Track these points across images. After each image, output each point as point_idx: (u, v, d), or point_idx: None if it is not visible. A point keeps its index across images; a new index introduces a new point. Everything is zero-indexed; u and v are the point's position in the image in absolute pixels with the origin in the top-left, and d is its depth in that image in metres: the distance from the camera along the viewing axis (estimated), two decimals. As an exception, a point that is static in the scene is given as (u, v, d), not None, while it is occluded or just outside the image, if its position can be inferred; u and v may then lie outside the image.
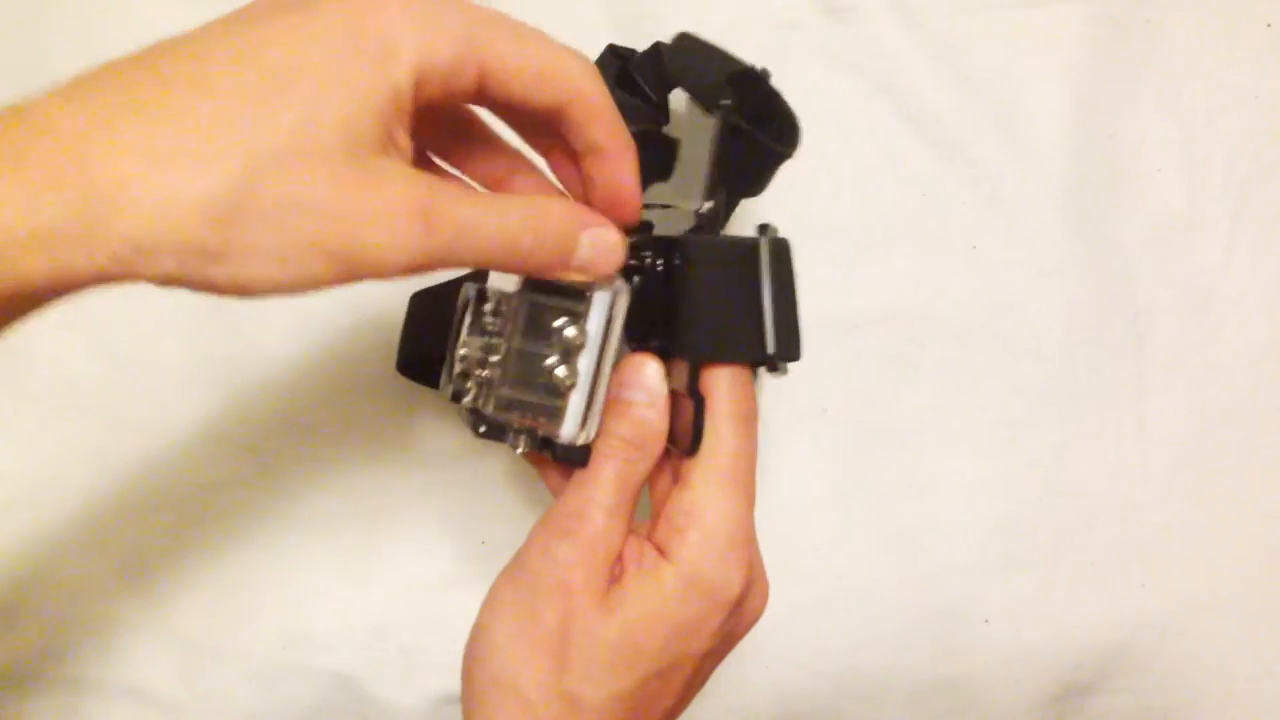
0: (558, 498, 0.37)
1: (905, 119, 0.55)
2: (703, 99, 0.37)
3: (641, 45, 0.53)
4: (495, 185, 0.35)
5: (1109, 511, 0.55)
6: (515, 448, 0.36)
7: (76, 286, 0.25)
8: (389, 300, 0.52)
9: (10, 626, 0.52)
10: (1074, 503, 0.55)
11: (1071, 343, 0.55)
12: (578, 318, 0.34)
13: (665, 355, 0.36)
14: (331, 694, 0.53)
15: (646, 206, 0.35)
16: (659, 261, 0.36)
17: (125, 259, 0.25)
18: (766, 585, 0.37)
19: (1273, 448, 0.56)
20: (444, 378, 0.38)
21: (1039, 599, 0.54)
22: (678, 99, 0.52)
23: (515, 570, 0.36)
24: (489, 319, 0.36)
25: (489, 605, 0.36)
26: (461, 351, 0.36)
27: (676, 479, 0.37)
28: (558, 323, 0.34)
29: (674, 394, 0.36)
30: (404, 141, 0.29)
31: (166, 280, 0.26)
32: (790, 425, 0.55)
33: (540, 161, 0.36)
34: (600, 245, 0.32)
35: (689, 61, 0.37)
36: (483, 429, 0.36)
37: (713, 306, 0.35)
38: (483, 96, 0.30)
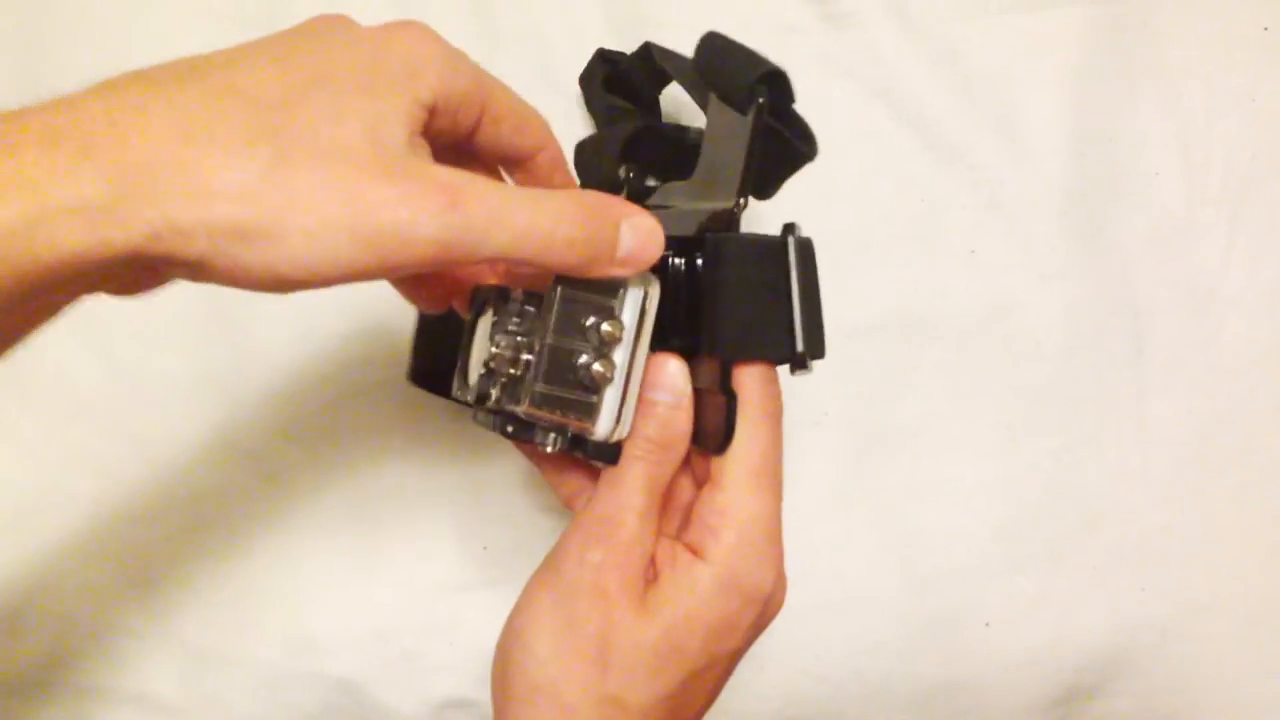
0: (586, 504, 0.36)
1: (904, 123, 0.55)
2: (733, 99, 0.37)
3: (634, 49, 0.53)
4: None
5: (1110, 514, 0.55)
6: (545, 446, 0.35)
7: (110, 263, 0.25)
8: (392, 307, 0.52)
9: (15, 634, 0.52)
10: (1075, 505, 0.55)
11: (1071, 345, 0.55)
12: (611, 313, 0.34)
13: (685, 355, 0.36)
14: (335, 699, 0.53)
15: (646, 207, 0.35)
16: (679, 260, 0.35)
17: (161, 236, 0.25)
18: (786, 580, 0.37)
19: (1273, 449, 0.56)
20: (456, 382, 0.38)
21: (1040, 602, 0.55)
22: (668, 97, 0.52)
23: (550, 577, 0.36)
24: (514, 319, 0.36)
25: (524, 613, 0.36)
26: (492, 350, 0.35)
27: (696, 479, 0.37)
28: (590, 320, 0.34)
29: (696, 392, 0.36)
30: (426, 150, 0.30)
31: (199, 264, 0.26)
32: (791, 430, 0.54)
33: None
34: (641, 231, 0.32)
35: (718, 61, 0.38)
36: (510, 428, 0.36)
37: (744, 305, 0.35)
38: (474, 136, 0.33)
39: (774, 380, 0.36)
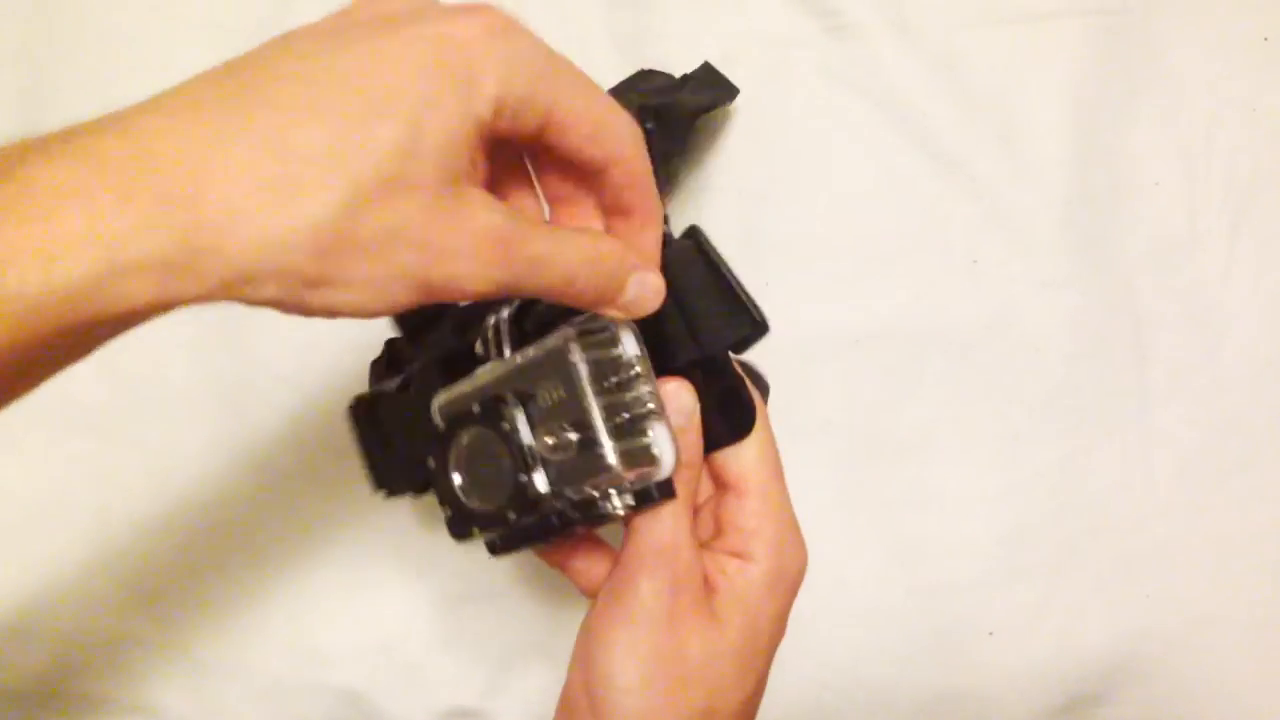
0: (630, 535, 0.37)
1: (905, 134, 0.56)
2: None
3: (641, 63, 0.53)
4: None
5: (1113, 523, 0.55)
6: (618, 510, 0.35)
7: (176, 307, 0.26)
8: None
9: (22, 644, 0.53)
10: (1078, 515, 0.55)
11: (1074, 355, 0.55)
12: (624, 353, 0.34)
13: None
14: (340, 710, 0.54)
15: None
16: None
17: (231, 286, 0.25)
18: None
19: (1276, 458, 0.56)
20: (459, 513, 0.37)
21: (1044, 611, 0.54)
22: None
23: (619, 613, 0.36)
24: (545, 405, 0.35)
25: (604, 655, 0.36)
26: (548, 441, 0.34)
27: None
28: (610, 367, 0.34)
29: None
30: (483, 167, 0.30)
31: (262, 304, 0.26)
32: (794, 439, 0.54)
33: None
34: (646, 288, 0.33)
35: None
36: (574, 514, 0.35)
37: (704, 301, 0.37)
38: (537, 140, 0.31)
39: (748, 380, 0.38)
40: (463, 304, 0.42)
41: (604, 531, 0.40)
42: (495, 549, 0.38)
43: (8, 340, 0.24)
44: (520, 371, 0.36)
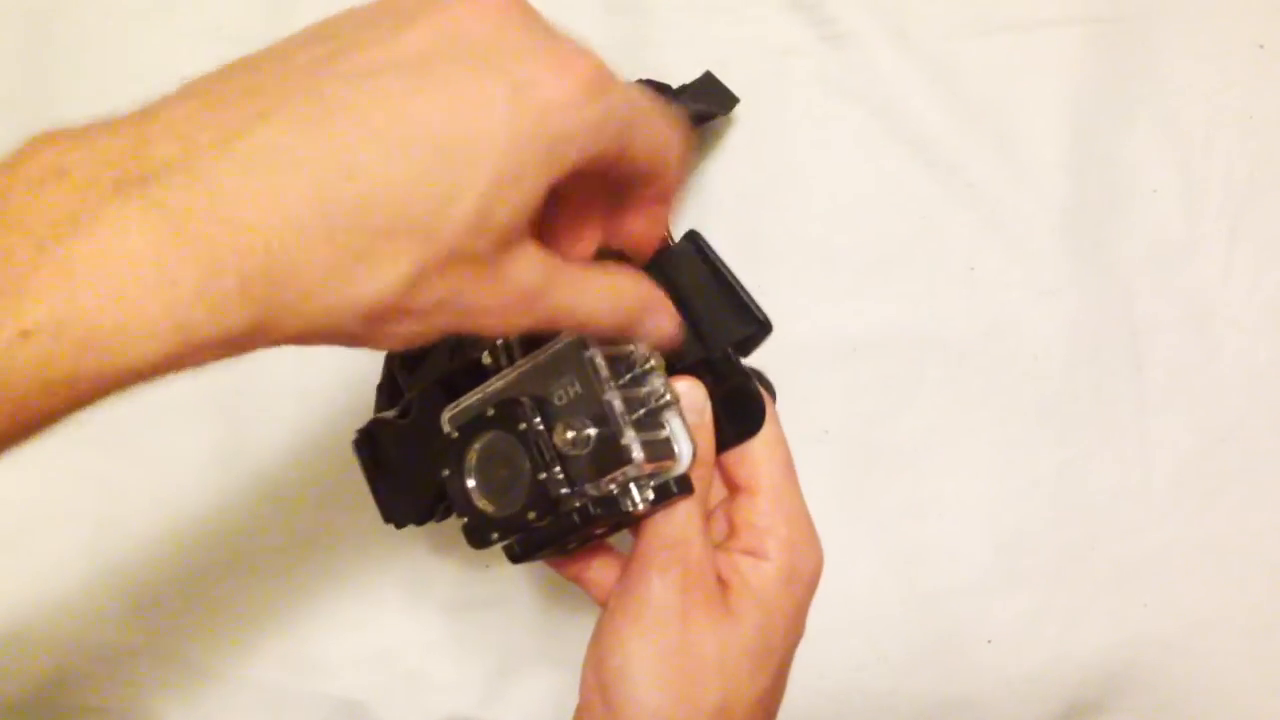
0: (641, 533, 0.37)
1: (903, 142, 0.56)
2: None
3: (639, 71, 0.54)
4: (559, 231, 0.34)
5: (1111, 530, 0.55)
6: (639, 506, 0.35)
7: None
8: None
9: (18, 653, 0.52)
10: (1076, 522, 0.55)
11: (1071, 362, 0.55)
12: (635, 348, 0.35)
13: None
14: (337, 719, 0.53)
15: None
16: None
17: (295, 339, 0.25)
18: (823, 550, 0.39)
19: (1274, 464, 0.56)
20: (474, 519, 0.36)
21: (1042, 619, 0.54)
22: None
23: (633, 609, 0.36)
24: (560, 404, 0.35)
25: (618, 651, 0.36)
26: (569, 436, 0.34)
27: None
28: (624, 362, 0.35)
29: None
30: (538, 214, 0.28)
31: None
32: (792, 447, 0.55)
33: None
34: (657, 331, 0.34)
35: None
36: (596, 510, 0.35)
37: (707, 300, 0.37)
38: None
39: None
40: None
41: (616, 542, 0.40)
42: (516, 556, 0.37)
43: (61, 410, 0.23)
44: (533, 374, 0.36)
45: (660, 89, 0.52)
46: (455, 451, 0.36)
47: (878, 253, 0.56)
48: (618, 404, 0.34)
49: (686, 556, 0.36)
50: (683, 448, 0.35)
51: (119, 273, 0.22)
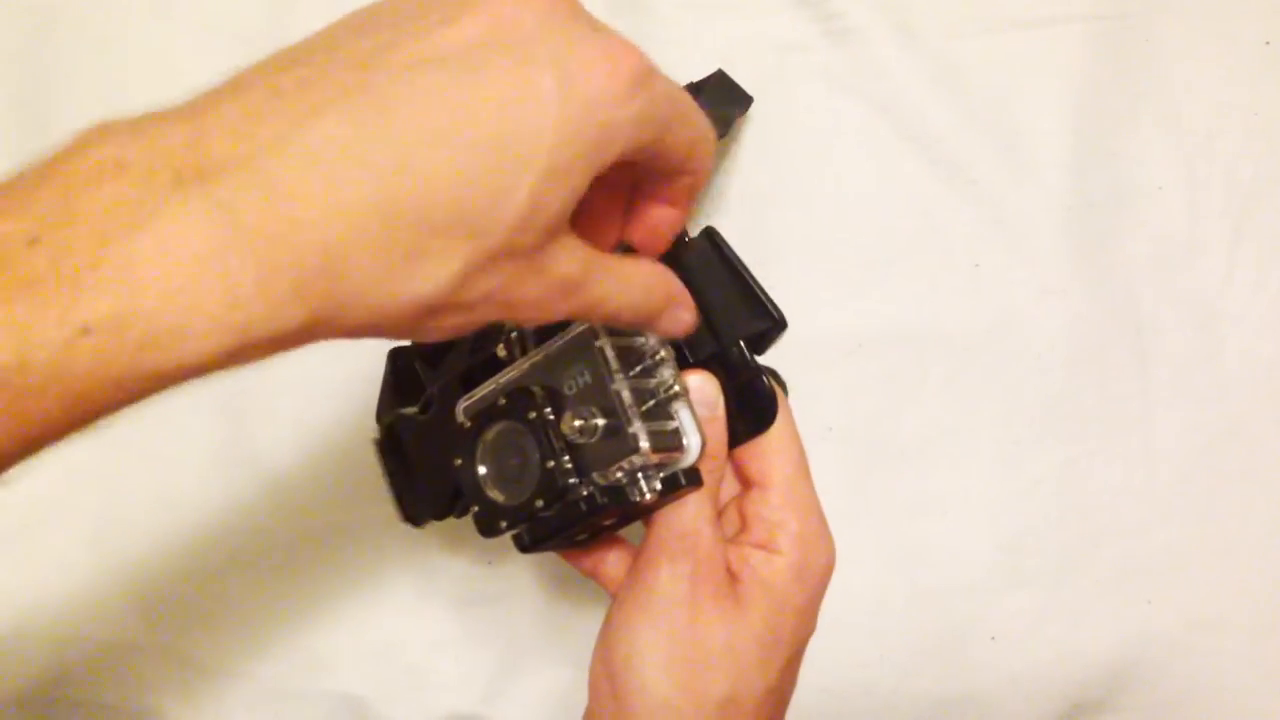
0: (652, 524, 0.37)
1: (907, 139, 0.56)
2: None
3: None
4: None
5: (1115, 528, 0.55)
6: (646, 496, 0.35)
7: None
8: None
9: (19, 648, 0.53)
10: (1079, 520, 0.55)
11: (1075, 360, 0.55)
12: (645, 339, 0.36)
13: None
14: (340, 715, 0.54)
15: None
16: None
17: (330, 339, 0.25)
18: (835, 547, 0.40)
19: (1277, 463, 0.56)
20: (484, 506, 0.37)
21: (1045, 617, 0.54)
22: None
23: (642, 599, 0.37)
24: (571, 394, 0.36)
25: (627, 640, 0.36)
26: (576, 424, 0.34)
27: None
28: (635, 354, 0.35)
29: None
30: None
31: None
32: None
33: None
34: (679, 324, 0.34)
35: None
36: (603, 499, 0.35)
37: (721, 292, 0.38)
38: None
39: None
40: None
41: (630, 537, 0.40)
42: (524, 545, 0.38)
43: (114, 405, 0.23)
44: (545, 364, 0.36)
45: None
46: (468, 440, 0.37)
47: (881, 250, 0.56)
48: (626, 394, 0.34)
49: (696, 547, 0.36)
50: (691, 439, 0.35)
51: (180, 270, 0.22)
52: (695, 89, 0.52)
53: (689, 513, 0.36)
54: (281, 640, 0.53)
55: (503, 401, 0.36)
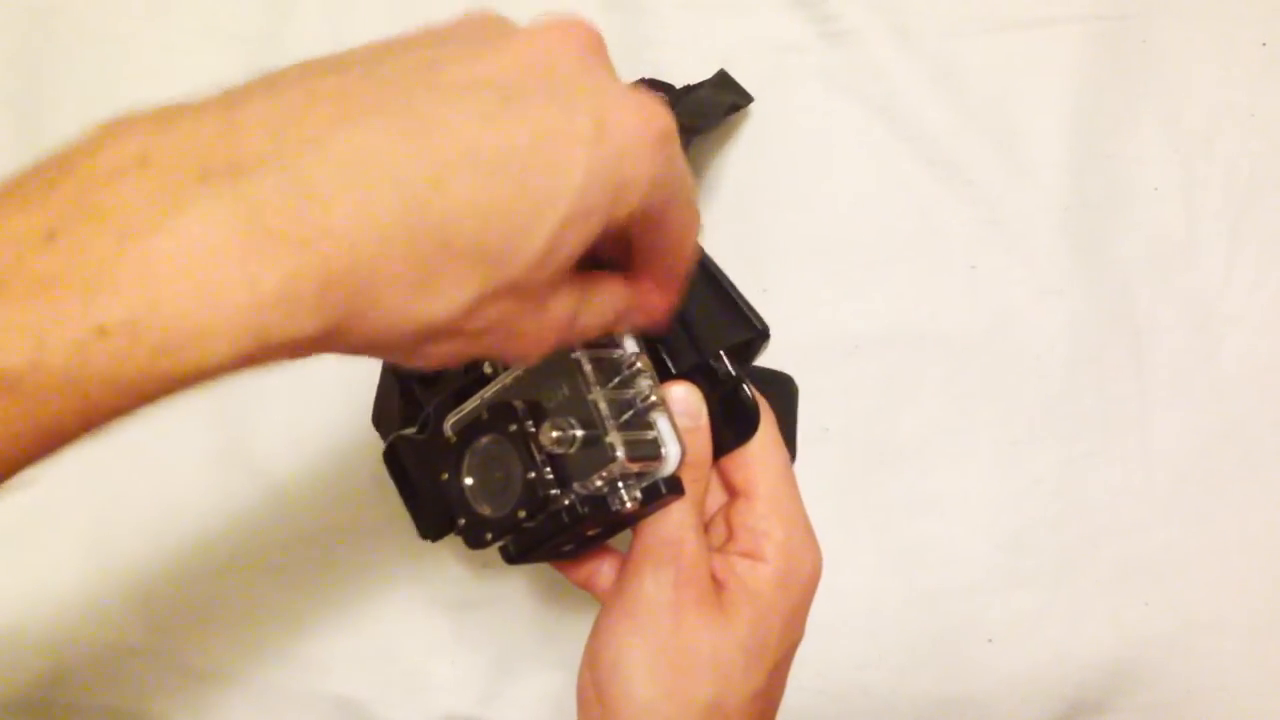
0: (637, 533, 0.38)
1: (904, 140, 0.56)
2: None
3: (643, 71, 0.53)
4: None
5: (1112, 529, 0.55)
6: (627, 505, 0.35)
7: None
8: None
9: (17, 653, 0.52)
10: (1077, 520, 0.55)
11: (1073, 361, 0.55)
12: (622, 350, 0.36)
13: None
14: (336, 718, 0.53)
15: None
16: None
17: (338, 352, 0.25)
18: (822, 554, 0.40)
19: (1276, 463, 0.56)
20: (472, 519, 0.37)
21: (1043, 617, 0.54)
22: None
23: (628, 606, 0.37)
24: (551, 406, 0.36)
25: (612, 647, 0.37)
26: (554, 435, 0.35)
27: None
28: (613, 364, 0.36)
29: None
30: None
31: None
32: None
33: None
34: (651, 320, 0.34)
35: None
36: (585, 509, 0.35)
37: (702, 304, 0.38)
38: None
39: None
40: None
41: (617, 543, 0.40)
42: (511, 557, 0.38)
43: (127, 408, 0.23)
44: (526, 377, 0.37)
45: (663, 89, 0.52)
46: (453, 454, 0.37)
47: (879, 250, 0.56)
48: (603, 405, 0.35)
49: (679, 555, 0.36)
50: (669, 449, 0.36)
51: (202, 271, 0.21)
52: (696, 88, 0.53)
53: (672, 521, 0.37)
54: (278, 643, 0.53)
55: (485, 415, 0.37)
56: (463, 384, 0.41)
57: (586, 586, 0.41)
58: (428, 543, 0.54)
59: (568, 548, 0.39)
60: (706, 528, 0.39)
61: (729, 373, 0.38)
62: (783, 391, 0.39)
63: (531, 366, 0.37)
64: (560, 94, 0.26)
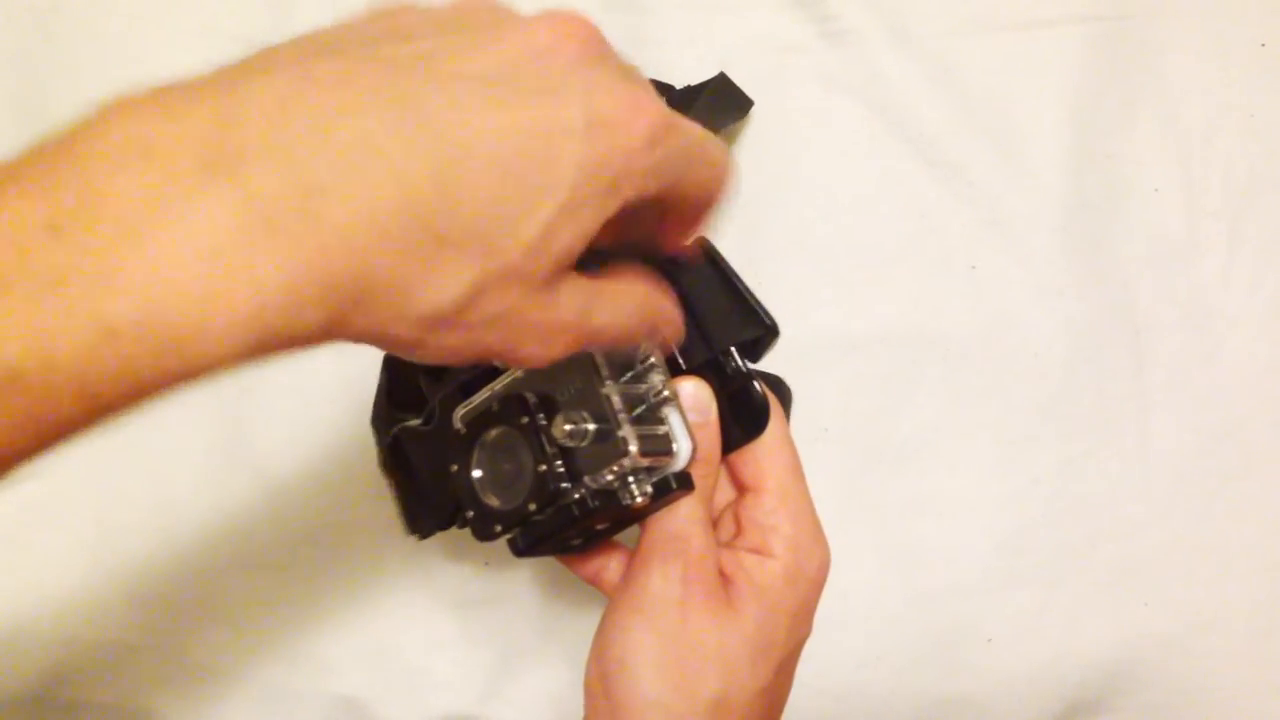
0: (645, 528, 0.38)
1: (904, 140, 0.56)
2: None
3: (643, 71, 0.53)
4: None
5: (1111, 529, 0.55)
6: (637, 499, 0.35)
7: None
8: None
9: (19, 651, 0.53)
10: (1076, 520, 0.55)
11: (1072, 361, 0.55)
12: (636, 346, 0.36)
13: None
14: (338, 716, 0.54)
15: None
16: None
17: (339, 342, 0.25)
18: (830, 550, 0.40)
19: (1275, 464, 0.56)
20: (479, 513, 0.37)
21: (1042, 617, 0.54)
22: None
23: (636, 600, 0.37)
24: (563, 399, 0.36)
25: (620, 641, 0.37)
26: (566, 428, 0.35)
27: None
28: (625, 360, 0.36)
29: None
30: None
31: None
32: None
33: None
34: (667, 340, 0.34)
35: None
36: (596, 502, 0.35)
37: (712, 299, 0.38)
38: None
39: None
40: None
41: (625, 539, 0.40)
42: (519, 550, 0.38)
43: (131, 405, 0.23)
44: (538, 371, 0.37)
45: (663, 89, 0.52)
46: (463, 446, 0.37)
47: (878, 251, 0.56)
48: (615, 399, 0.35)
49: (687, 550, 0.36)
50: (681, 444, 0.36)
51: (207, 268, 0.22)
52: (696, 91, 0.53)
53: (681, 515, 0.37)
54: (279, 641, 0.53)
55: (496, 407, 0.37)
56: (470, 377, 0.41)
57: (593, 581, 0.41)
58: (430, 543, 0.54)
59: (576, 542, 0.39)
60: (715, 523, 0.39)
61: (739, 369, 0.38)
62: (776, 393, 0.39)
63: None
64: (555, 87, 0.26)
